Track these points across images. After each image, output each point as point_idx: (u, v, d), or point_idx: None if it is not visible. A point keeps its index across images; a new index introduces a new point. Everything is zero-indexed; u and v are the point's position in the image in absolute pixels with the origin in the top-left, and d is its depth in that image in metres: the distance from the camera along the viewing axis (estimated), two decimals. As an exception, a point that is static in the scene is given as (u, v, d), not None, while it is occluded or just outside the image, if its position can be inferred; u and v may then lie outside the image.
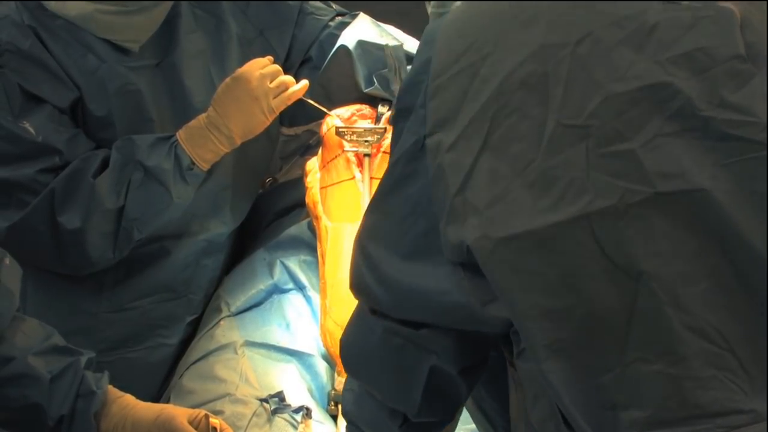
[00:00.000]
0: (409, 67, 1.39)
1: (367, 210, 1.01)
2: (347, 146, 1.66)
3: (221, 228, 1.79)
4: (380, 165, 1.65)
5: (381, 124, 1.69)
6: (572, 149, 0.84)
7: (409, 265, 0.94)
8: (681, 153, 0.82)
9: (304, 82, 1.62)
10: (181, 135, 1.60)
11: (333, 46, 1.79)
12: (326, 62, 1.80)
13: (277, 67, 1.61)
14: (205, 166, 1.62)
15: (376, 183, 1.57)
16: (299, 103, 1.65)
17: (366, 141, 1.64)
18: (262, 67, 1.59)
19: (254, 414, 1.47)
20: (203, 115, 1.60)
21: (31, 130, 1.54)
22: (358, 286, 1.00)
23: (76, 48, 1.59)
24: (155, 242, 1.70)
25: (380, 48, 1.77)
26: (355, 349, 1.03)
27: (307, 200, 1.71)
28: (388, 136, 1.63)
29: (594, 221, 0.82)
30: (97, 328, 1.70)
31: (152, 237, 1.67)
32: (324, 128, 1.72)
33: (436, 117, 0.91)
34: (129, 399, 1.28)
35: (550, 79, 0.87)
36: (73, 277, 1.67)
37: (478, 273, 0.88)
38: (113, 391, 1.28)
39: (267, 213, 1.92)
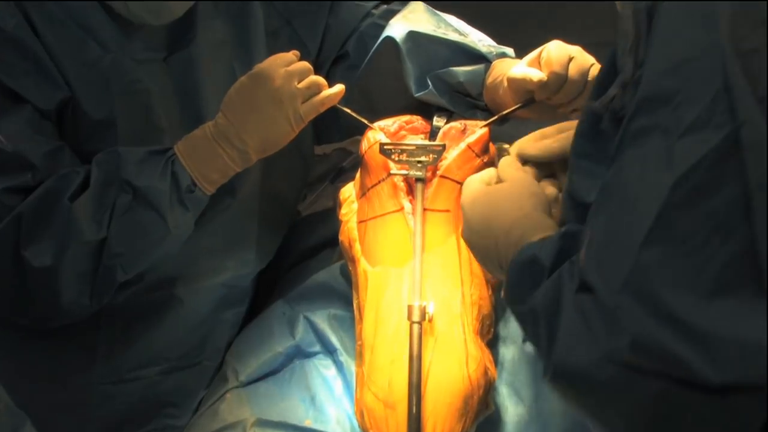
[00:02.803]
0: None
1: (626, 249, 0.87)
2: (394, 168, 1.49)
3: (243, 268, 1.65)
4: (436, 193, 1.48)
5: (437, 140, 1.50)
6: None
7: (717, 306, 0.81)
8: None
9: (341, 87, 1.47)
10: (180, 148, 1.44)
11: (376, 39, 1.64)
12: (367, 59, 1.64)
13: (306, 64, 1.45)
14: (210, 189, 1.45)
15: (431, 216, 1.46)
16: (331, 114, 1.50)
17: (418, 162, 1.46)
18: (287, 64, 1.43)
19: None
20: (209, 123, 1.44)
21: (0, 136, 1.38)
22: (647, 349, 0.85)
23: (73, 31, 1.42)
24: (161, 289, 1.56)
25: (436, 41, 1.61)
26: (596, 396, 0.91)
27: (341, 237, 1.56)
28: (447, 155, 1.47)
29: None
30: (88, 404, 1.55)
31: (158, 282, 1.53)
32: (364, 145, 1.54)
33: (748, 101, 0.81)
34: None
35: None
36: (56, 334, 1.51)
37: None
38: None
39: (288, 254, 1.81)
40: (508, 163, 1.21)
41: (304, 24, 1.64)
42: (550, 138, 1.25)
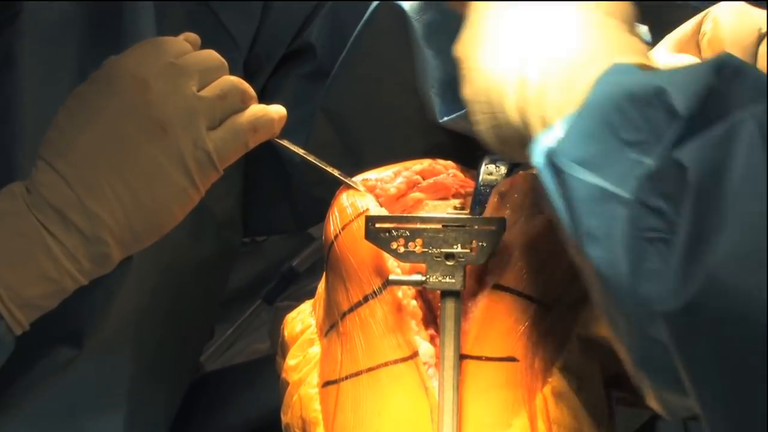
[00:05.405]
0: None
1: None
2: (397, 271, 0.99)
3: None
4: (487, 322, 0.97)
5: (489, 211, 1.01)
6: None
7: None
8: None
9: (281, 108, 1.00)
10: None
11: (359, 18, 1.20)
12: (344, 53, 1.21)
13: (214, 54, 1.01)
14: (23, 320, 0.98)
15: (475, 369, 0.98)
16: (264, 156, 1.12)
17: (448, 257, 0.97)
18: (176, 54, 0.99)
19: None
20: (17, 184, 0.98)
21: None
22: None
23: None
24: None
25: None
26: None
27: (287, 418, 1.05)
28: (514, 241, 1.01)
29: None
30: None
31: None
32: (335, 223, 1.04)
33: None
34: None
35: None
36: None
37: None
38: None
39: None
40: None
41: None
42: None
